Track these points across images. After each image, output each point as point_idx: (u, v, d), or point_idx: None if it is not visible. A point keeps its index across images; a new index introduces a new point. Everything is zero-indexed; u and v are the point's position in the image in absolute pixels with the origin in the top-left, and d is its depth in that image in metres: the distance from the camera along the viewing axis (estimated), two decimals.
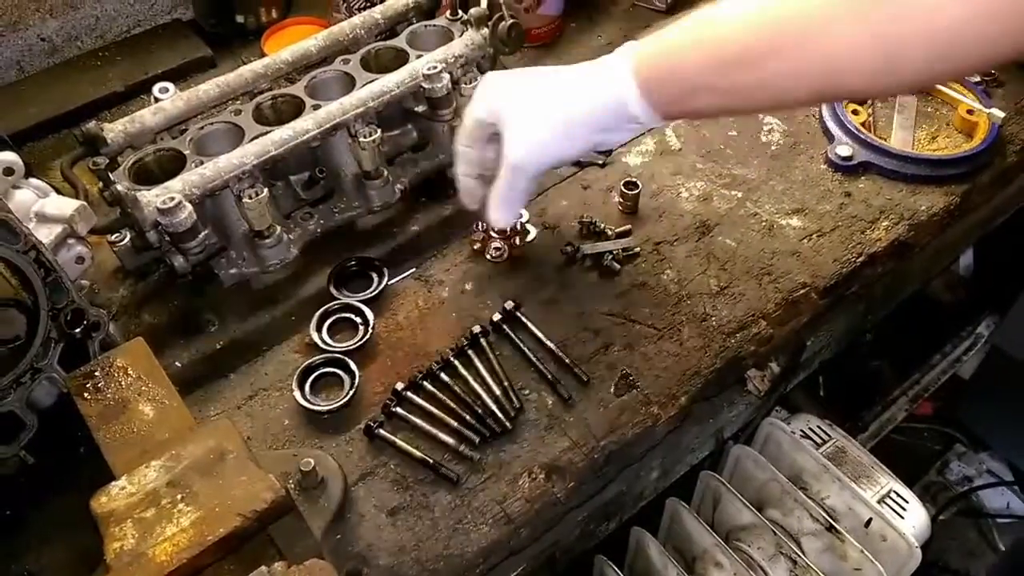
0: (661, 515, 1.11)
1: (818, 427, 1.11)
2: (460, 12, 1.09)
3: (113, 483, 0.68)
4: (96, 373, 0.77)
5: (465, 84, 1.03)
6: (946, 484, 1.92)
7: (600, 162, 1.13)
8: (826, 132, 1.14)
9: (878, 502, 1.02)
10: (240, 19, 1.36)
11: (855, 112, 1.14)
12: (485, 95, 0.86)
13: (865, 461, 1.07)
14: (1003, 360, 1.69)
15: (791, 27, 0.68)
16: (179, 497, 0.64)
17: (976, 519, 1.91)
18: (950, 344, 1.64)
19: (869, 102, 1.19)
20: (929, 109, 1.19)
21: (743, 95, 0.74)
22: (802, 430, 1.11)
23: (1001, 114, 1.11)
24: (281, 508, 0.63)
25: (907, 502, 1.02)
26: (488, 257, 1.03)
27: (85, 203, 0.83)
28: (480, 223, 1.04)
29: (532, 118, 0.82)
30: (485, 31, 1.05)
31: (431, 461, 0.84)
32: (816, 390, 1.60)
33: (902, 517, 1.01)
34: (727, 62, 0.72)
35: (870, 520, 1.01)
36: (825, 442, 1.08)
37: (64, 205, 0.81)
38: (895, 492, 1.03)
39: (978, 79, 1.19)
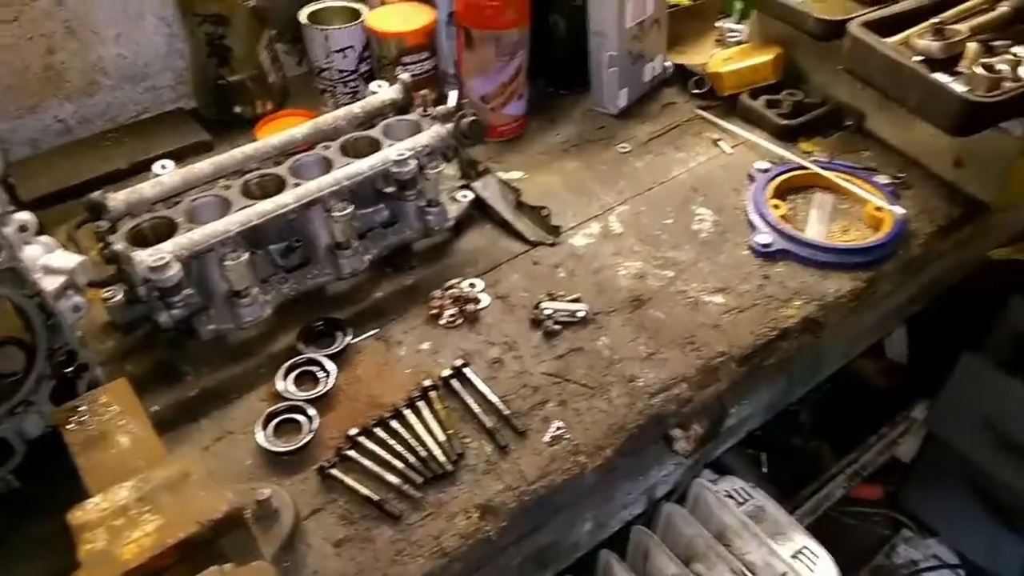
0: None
1: (742, 488, 1.20)
2: (430, 109, 1.25)
3: (89, 500, 0.77)
4: (81, 407, 0.87)
5: (430, 170, 1.17)
6: (893, 568, 1.99)
7: (549, 241, 1.26)
8: (750, 223, 1.28)
9: (792, 557, 1.10)
10: (238, 109, 1.52)
11: (776, 206, 1.29)
12: None
13: (782, 520, 1.16)
14: (938, 445, 1.79)
15: None
16: (146, 509, 0.74)
17: None
18: (886, 427, 1.74)
19: (790, 199, 1.35)
20: (844, 206, 1.34)
21: None
22: (727, 490, 1.20)
23: (902, 211, 1.26)
24: (234, 519, 0.72)
25: (818, 557, 1.11)
26: (443, 322, 1.15)
27: (86, 258, 0.95)
28: (439, 290, 1.17)
29: None
30: (449, 126, 1.20)
31: (376, 499, 0.93)
32: (758, 468, 1.69)
33: (812, 571, 1.09)
34: None
35: (784, 574, 1.09)
36: (747, 501, 1.18)
37: (68, 259, 0.93)
38: (807, 548, 1.12)
39: (887, 181, 1.35)
